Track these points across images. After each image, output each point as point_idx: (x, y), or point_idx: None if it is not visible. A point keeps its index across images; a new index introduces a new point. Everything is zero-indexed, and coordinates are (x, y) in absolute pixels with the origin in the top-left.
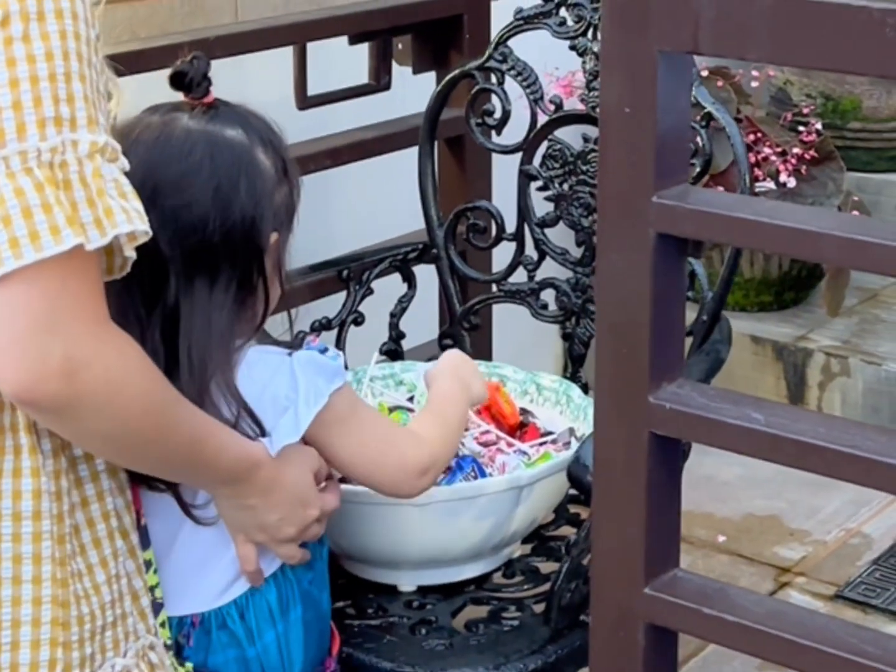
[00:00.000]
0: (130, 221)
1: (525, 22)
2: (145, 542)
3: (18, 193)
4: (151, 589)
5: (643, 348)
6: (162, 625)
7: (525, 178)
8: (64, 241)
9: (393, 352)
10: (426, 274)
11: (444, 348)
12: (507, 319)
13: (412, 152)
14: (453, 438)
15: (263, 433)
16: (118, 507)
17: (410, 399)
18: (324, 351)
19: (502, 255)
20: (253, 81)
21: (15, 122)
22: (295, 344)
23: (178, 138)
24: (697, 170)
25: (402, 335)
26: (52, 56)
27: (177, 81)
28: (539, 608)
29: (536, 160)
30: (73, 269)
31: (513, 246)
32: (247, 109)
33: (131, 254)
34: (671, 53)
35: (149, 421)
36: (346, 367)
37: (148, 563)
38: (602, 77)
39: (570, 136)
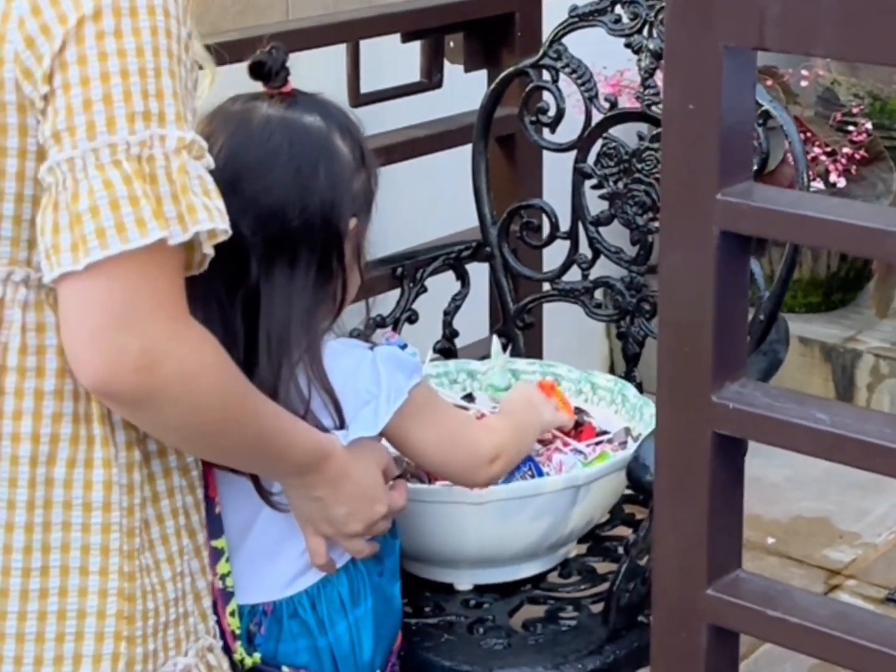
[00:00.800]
0: (212, 219)
1: (580, 19)
2: (218, 530)
3: (107, 185)
4: (223, 577)
5: (706, 347)
6: (231, 614)
7: (579, 176)
8: (149, 233)
9: (446, 350)
10: (480, 272)
11: None
12: (555, 318)
13: (463, 150)
14: (523, 436)
15: (342, 422)
16: (187, 505)
17: (464, 398)
18: (403, 347)
19: (556, 254)
20: (305, 79)
21: (105, 115)
22: (369, 336)
23: (258, 125)
24: (754, 168)
25: (455, 333)
26: (142, 52)
27: (256, 71)
28: (596, 608)
29: (591, 158)
30: (154, 263)
31: (567, 244)
32: (325, 99)
33: (210, 251)
34: (736, 49)
35: (222, 414)
36: None
37: (220, 552)
38: (665, 73)
39: (625, 134)
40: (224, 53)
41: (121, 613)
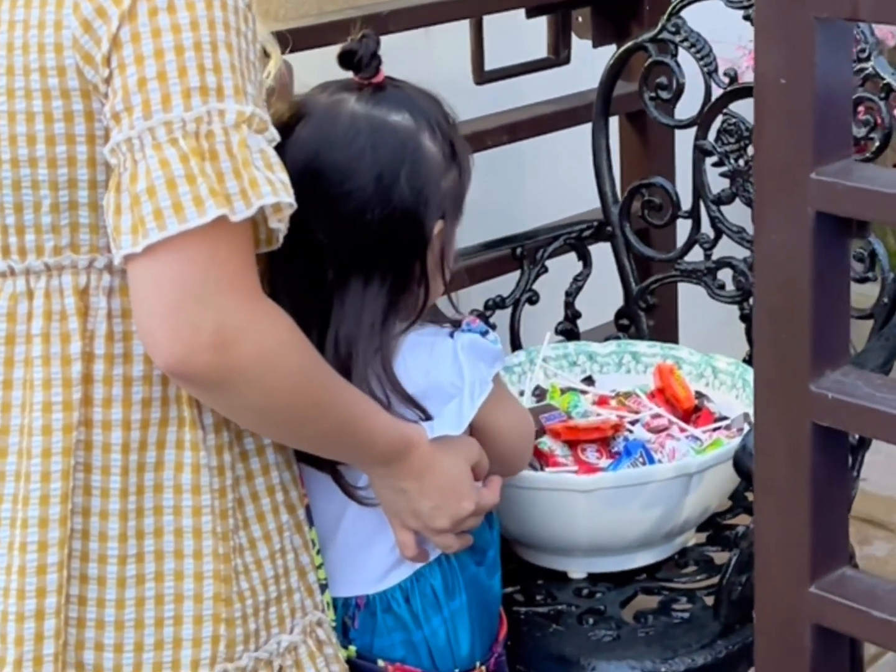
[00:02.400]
0: (276, 193)
1: None
2: (309, 521)
3: (164, 164)
4: (316, 569)
5: (804, 334)
6: (326, 605)
7: (700, 153)
8: (207, 212)
9: (568, 331)
10: (604, 252)
11: (620, 328)
12: (695, 299)
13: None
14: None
15: (428, 418)
16: (285, 481)
17: (584, 381)
18: (485, 333)
19: (684, 233)
20: (429, 56)
21: (160, 93)
22: (454, 322)
23: (343, 123)
24: (877, 144)
25: (577, 314)
26: (197, 25)
27: (346, 61)
28: (710, 600)
29: (711, 135)
30: (222, 240)
31: (688, 224)
32: (416, 89)
33: (277, 225)
34: (829, 20)
35: (302, 397)
36: (521, 347)
37: (311, 543)
38: (756, 46)
39: (745, 109)
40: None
41: (218, 596)
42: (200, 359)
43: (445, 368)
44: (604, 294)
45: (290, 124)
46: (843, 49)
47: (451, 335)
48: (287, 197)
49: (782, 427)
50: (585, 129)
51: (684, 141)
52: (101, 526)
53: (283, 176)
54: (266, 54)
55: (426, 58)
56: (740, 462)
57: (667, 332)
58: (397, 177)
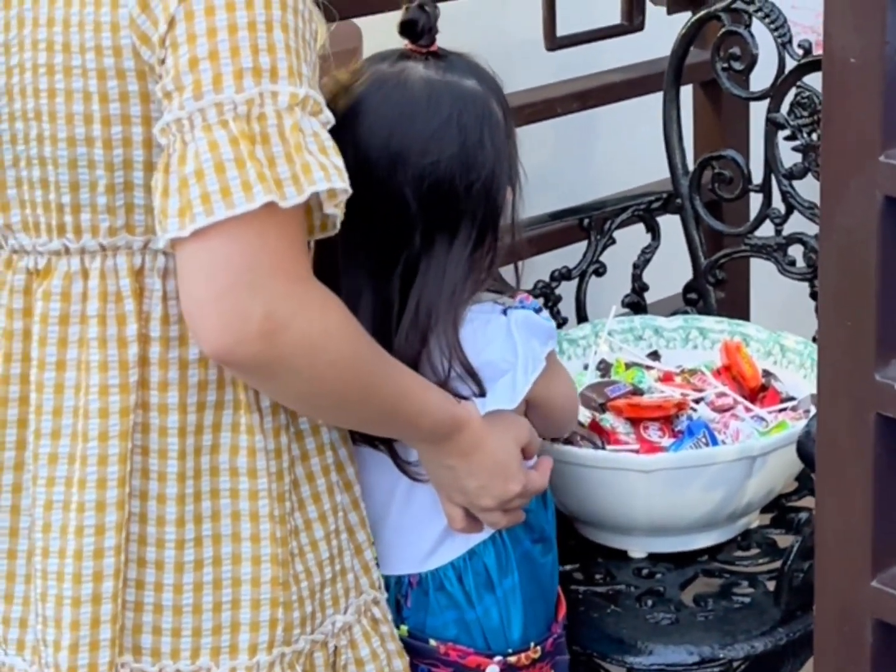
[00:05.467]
0: (329, 179)
1: None
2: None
3: (213, 147)
4: (372, 546)
5: (870, 321)
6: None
7: (772, 126)
8: (255, 197)
9: (635, 304)
10: (671, 224)
11: (688, 302)
12: (766, 275)
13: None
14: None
15: (483, 393)
16: (342, 458)
17: (650, 355)
18: (538, 311)
19: (755, 207)
20: (500, 21)
21: (212, 73)
22: (508, 298)
23: (421, 91)
24: None
25: (645, 287)
26: (252, 4)
27: (408, 30)
28: (772, 585)
29: (784, 108)
30: (273, 225)
31: (759, 198)
32: (472, 58)
33: (333, 211)
34: None
35: (348, 383)
36: (587, 319)
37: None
38: (825, 25)
39: (817, 82)
40: None
41: (276, 580)
42: (249, 347)
43: (499, 344)
44: (671, 267)
45: (350, 94)
46: None
47: (505, 312)
48: (341, 182)
49: (845, 416)
50: (658, 98)
51: (756, 113)
52: (159, 510)
53: (338, 160)
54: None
55: (498, 23)
56: (804, 448)
57: (737, 307)
58: (482, 141)
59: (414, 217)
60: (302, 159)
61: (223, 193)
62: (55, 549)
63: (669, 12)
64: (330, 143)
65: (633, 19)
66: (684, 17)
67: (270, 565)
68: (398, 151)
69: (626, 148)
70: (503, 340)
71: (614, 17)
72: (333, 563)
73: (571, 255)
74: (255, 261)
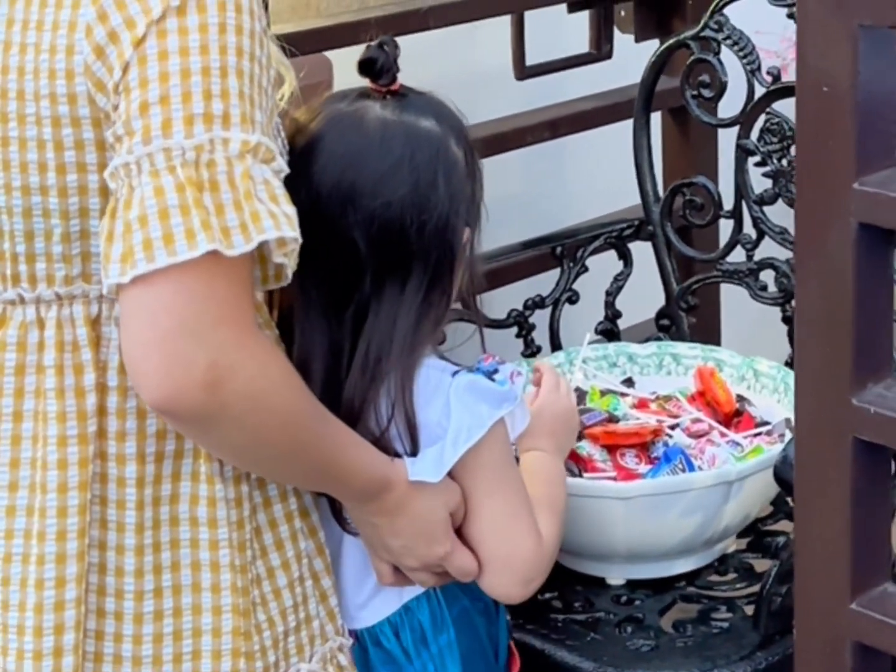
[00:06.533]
0: (278, 227)
1: None
2: None
3: (158, 193)
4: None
5: (846, 347)
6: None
7: (742, 152)
8: (198, 246)
9: (608, 331)
10: (643, 251)
11: (660, 328)
12: (735, 300)
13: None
14: (561, 534)
15: (415, 452)
16: (306, 504)
17: (624, 382)
18: (493, 372)
19: (724, 233)
20: (469, 51)
21: (161, 118)
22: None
23: (375, 132)
24: None
25: (618, 314)
26: (207, 49)
27: (367, 68)
28: (750, 609)
29: (754, 134)
30: (219, 274)
31: (730, 224)
32: (434, 97)
33: (282, 260)
34: (873, 28)
35: (286, 436)
36: (561, 347)
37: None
38: (798, 53)
39: (786, 108)
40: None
41: (237, 630)
42: (190, 395)
43: (437, 407)
44: (641, 292)
45: (306, 132)
46: (886, 57)
47: (454, 374)
48: (290, 231)
49: (823, 440)
50: (626, 125)
51: (726, 140)
52: (118, 561)
53: (289, 208)
54: (280, 77)
55: (463, 54)
56: (781, 473)
57: (708, 333)
58: (435, 182)
59: (364, 259)
60: (251, 207)
61: (165, 240)
62: (15, 602)
63: (637, 40)
64: (281, 191)
65: (601, 47)
66: (651, 45)
67: (232, 615)
68: (348, 192)
69: (592, 175)
70: (442, 405)
71: (581, 46)
72: (297, 610)
73: (543, 283)
74: (200, 308)
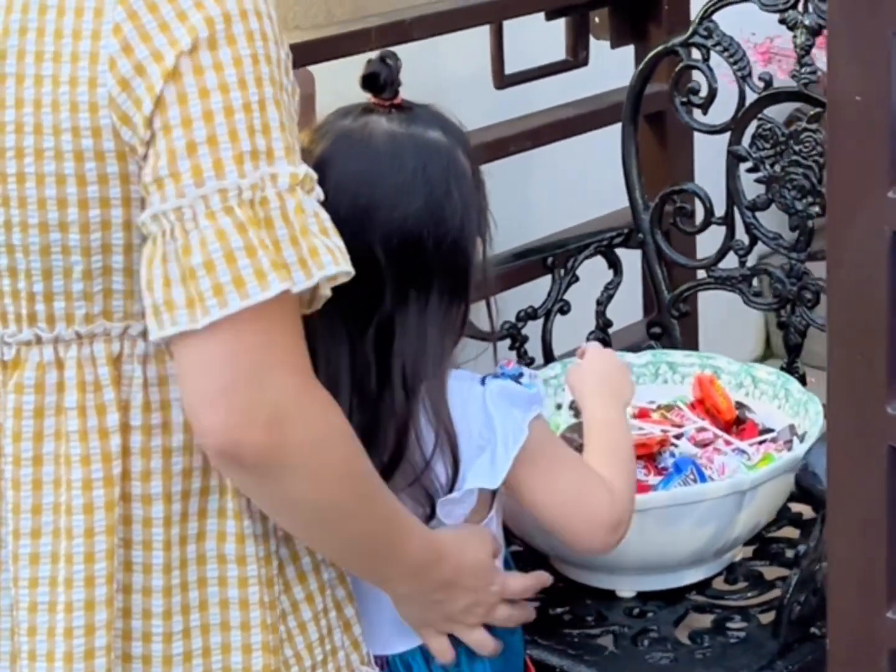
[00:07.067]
0: (336, 262)
1: None
2: None
3: (221, 236)
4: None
5: (880, 355)
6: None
7: (734, 158)
8: (270, 286)
9: (601, 341)
10: (630, 258)
11: (652, 337)
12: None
13: (611, 129)
14: (634, 478)
15: (456, 474)
16: None
17: None
18: (519, 376)
19: (708, 241)
20: (448, 62)
21: (211, 159)
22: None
23: (385, 146)
24: None
25: (609, 323)
26: (244, 84)
27: (370, 83)
28: (765, 618)
29: (745, 140)
30: (279, 314)
31: (722, 230)
32: (437, 110)
33: (328, 293)
34: None
35: (347, 488)
36: (554, 358)
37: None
38: (829, 63)
39: (776, 111)
40: None
41: (267, 668)
42: (253, 439)
43: (476, 417)
44: (619, 298)
45: (319, 153)
46: None
47: (483, 382)
48: (346, 265)
49: (858, 450)
50: (605, 131)
51: (716, 146)
52: (145, 603)
53: (339, 241)
54: None
55: (443, 64)
56: (804, 482)
57: (687, 339)
58: (449, 193)
59: (385, 274)
60: (308, 242)
61: (236, 284)
62: (42, 651)
63: (613, 46)
64: (329, 223)
65: (577, 54)
66: (627, 50)
67: (262, 653)
68: (366, 208)
69: (581, 180)
70: (481, 414)
71: (556, 55)
72: (324, 643)
73: (531, 294)
74: (261, 353)
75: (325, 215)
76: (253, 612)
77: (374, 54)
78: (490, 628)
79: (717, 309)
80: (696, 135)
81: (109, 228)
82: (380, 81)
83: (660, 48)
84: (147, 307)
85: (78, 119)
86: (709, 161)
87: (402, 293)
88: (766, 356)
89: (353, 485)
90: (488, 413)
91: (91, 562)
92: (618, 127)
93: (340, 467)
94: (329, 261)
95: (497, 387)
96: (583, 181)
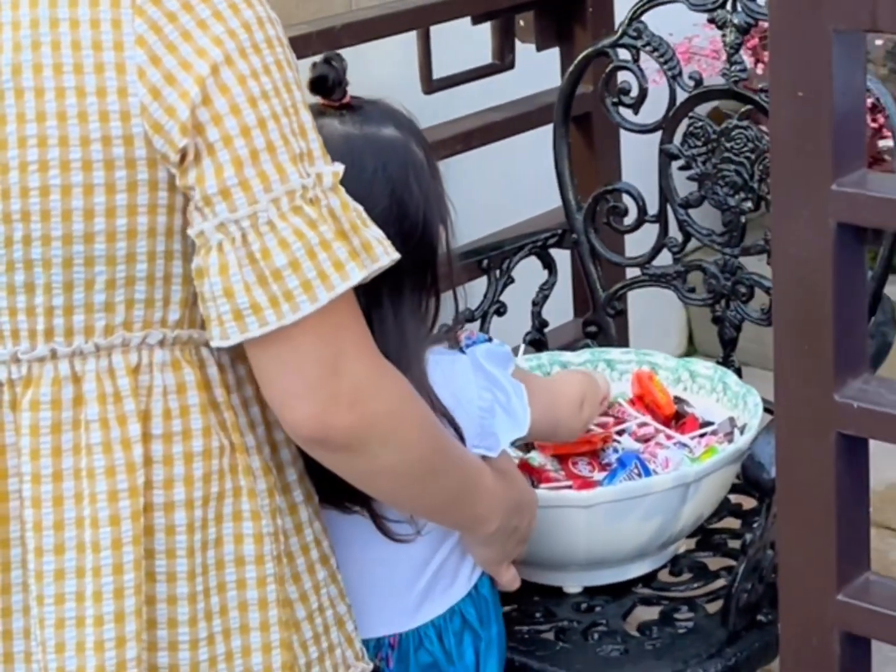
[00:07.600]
0: (387, 252)
1: None
2: None
3: (298, 235)
4: (353, 616)
5: (826, 344)
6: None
7: (666, 157)
8: (349, 275)
9: (537, 341)
10: (560, 258)
11: (588, 335)
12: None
13: (539, 131)
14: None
15: (462, 439)
16: (317, 534)
17: None
18: (488, 340)
19: (641, 239)
20: (376, 68)
21: (273, 164)
22: (456, 333)
23: (342, 149)
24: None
25: (545, 323)
26: (278, 90)
27: (318, 86)
28: (711, 607)
29: (677, 139)
30: (345, 306)
31: (655, 228)
32: (387, 104)
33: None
34: (846, 32)
35: (428, 448)
36: None
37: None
38: (771, 59)
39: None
40: None
41: (286, 665)
42: (339, 421)
43: (470, 383)
44: (555, 297)
45: None
46: (858, 60)
47: (462, 350)
48: (395, 254)
49: (806, 438)
50: (533, 133)
51: (647, 145)
52: (170, 612)
53: (380, 232)
54: None
55: (371, 70)
56: (751, 472)
57: (618, 336)
58: (409, 188)
59: None
60: (360, 236)
61: (321, 278)
62: (72, 667)
63: (539, 49)
64: (367, 216)
65: (504, 58)
66: (552, 53)
67: (280, 651)
68: None
69: (511, 182)
70: (473, 378)
71: (482, 59)
72: (319, 641)
73: (469, 295)
74: (340, 345)
75: (360, 207)
76: (271, 611)
77: (318, 58)
78: None
79: (642, 306)
80: (628, 134)
81: (135, 237)
82: (328, 83)
83: (590, 50)
84: (224, 314)
85: (109, 128)
86: (641, 160)
87: (375, 293)
88: (689, 352)
89: (430, 439)
90: (486, 372)
91: (119, 573)
92: (544, 129)
93: (418, 427)
94: (381, 251)
95: (483, 350)
96: (511, 184)
